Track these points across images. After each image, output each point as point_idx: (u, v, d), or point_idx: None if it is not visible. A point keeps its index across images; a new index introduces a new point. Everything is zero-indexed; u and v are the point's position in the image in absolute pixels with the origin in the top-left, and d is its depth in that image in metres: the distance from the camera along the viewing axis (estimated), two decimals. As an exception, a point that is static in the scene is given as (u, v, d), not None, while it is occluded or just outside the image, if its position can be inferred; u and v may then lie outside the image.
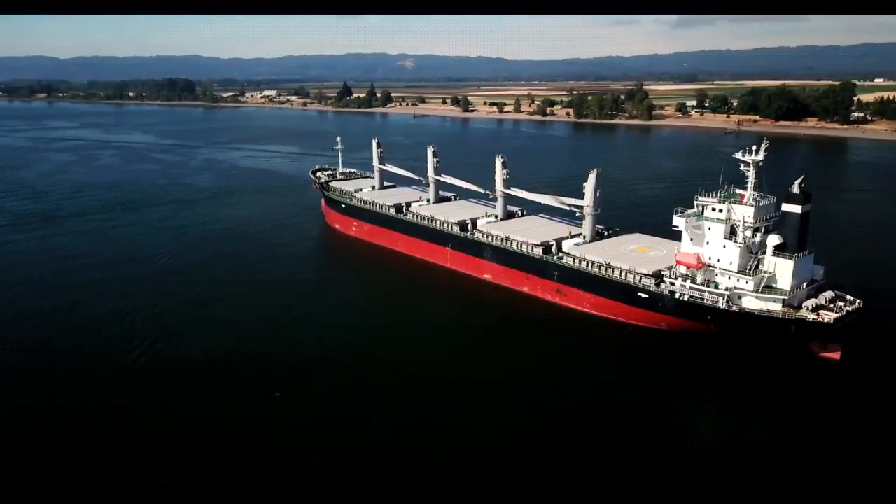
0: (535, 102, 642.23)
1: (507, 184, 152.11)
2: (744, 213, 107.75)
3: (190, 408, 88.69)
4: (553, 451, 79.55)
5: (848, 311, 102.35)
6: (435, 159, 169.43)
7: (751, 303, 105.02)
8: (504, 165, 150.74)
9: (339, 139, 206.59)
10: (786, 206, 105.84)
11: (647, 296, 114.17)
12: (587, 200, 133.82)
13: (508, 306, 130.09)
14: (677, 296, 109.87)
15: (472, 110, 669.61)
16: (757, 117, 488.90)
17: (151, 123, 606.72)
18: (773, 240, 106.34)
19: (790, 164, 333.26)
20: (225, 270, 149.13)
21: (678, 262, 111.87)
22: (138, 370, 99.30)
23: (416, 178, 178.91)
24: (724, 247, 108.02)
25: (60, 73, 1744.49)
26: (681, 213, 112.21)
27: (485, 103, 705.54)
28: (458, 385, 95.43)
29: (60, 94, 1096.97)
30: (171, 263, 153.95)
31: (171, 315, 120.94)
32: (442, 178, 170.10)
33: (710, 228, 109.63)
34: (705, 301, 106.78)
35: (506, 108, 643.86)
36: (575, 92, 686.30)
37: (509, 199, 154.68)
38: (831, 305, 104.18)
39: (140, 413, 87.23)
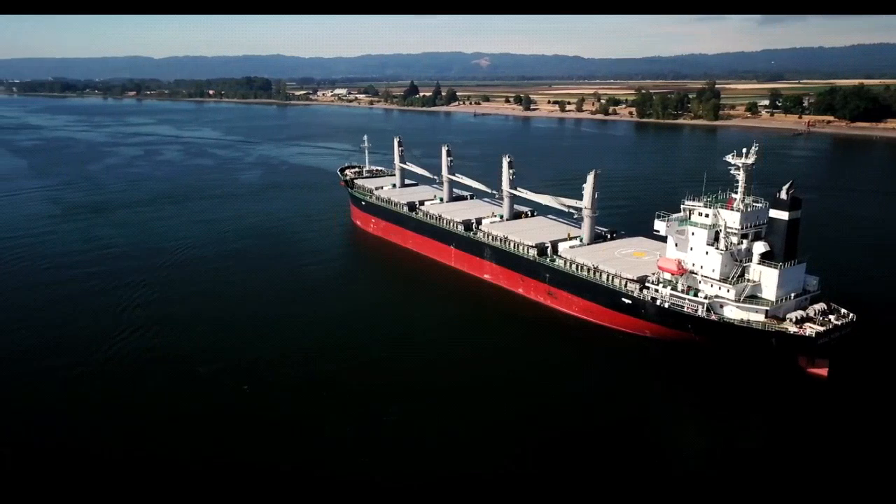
0: (601, 101, 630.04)
1: (514, 184, 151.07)
2: (728, 218, 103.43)
3: (172, 401, 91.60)
4: (518, 461, 78.10)
5: (836, 325, 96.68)
6: (448, 158, 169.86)
7: (732, 312, 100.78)
8: (510, 165, 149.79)
9: (365, 137, 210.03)
10: (773, 213, 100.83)
11: (630, 301, 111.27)
12: (585, 202, 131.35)
13: (502, 307, 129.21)
14: (658, 302, 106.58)
15: (534, 109, 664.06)
16: (831, 118, 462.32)
17: (222, 120, 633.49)
18: (759, 247, 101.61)
19: (858, 166, 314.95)
20: (238, 264, 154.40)
21: (660, 268, 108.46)
22: (120, 358, 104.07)
23: (432, 176, 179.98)
24: (707, 253, 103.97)
25: (154, 73, 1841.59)
26: (663, 217, 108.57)
27: (548, 102, 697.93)
28: (438, 388, 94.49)
29: (148, 92, 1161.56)
30: (190, 255, 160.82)
31: (167, 304, 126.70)
32: (455, 178, 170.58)
33: (693, 234, 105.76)
34: (685, 309, 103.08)
35: (568, 107, 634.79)
36: (643, 91, 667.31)
37: (516, 199, 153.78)
38: (820, 318, 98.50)
39: (114, 406, 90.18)
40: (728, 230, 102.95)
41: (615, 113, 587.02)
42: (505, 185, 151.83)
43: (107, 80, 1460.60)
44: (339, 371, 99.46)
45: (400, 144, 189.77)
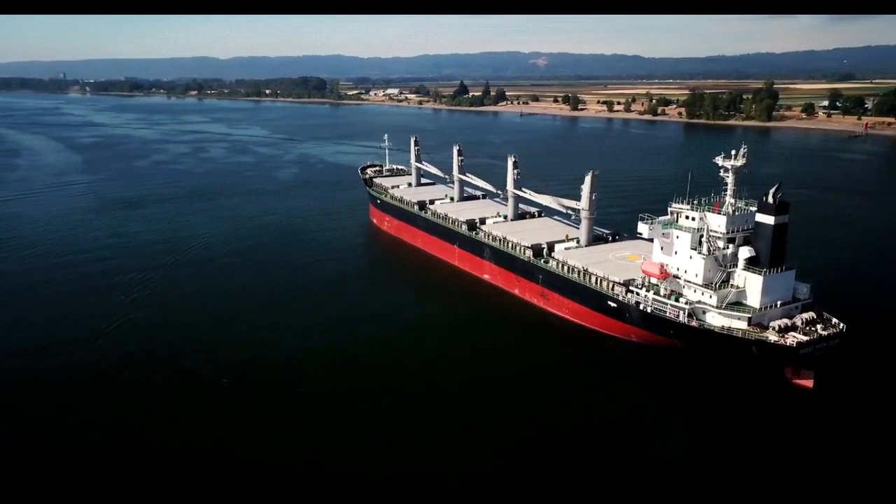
0: (652, 101, 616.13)
1: (518, 184, 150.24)
2: (714, 222, 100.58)
3: (152, 393, 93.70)
4: (508, 462, 77.67)
5: (821, 335, 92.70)
6: (459, 157, 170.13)
7: (714, 319, 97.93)
8: (515, 165, 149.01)
9: (385, 136, 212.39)
10: (759, 217, 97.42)
11: (615, 305, 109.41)
12: (583, 203, 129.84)
13: (498, 309, 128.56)
14: (642, 307, 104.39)
15: (582, 109, 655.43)
16: (893, 120, 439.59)
17: (273, 119, 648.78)
18: (744, 252, 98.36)
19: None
20: (250, 259, 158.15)
21: (643, 272, 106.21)
22: (110, 348, 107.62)
23: (443, 176, 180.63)
24: (691, 257, 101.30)
25: (219, 73, 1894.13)
26: (647, 219, 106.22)
27: (597, 102, 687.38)
28: (428, 391, 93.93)
29: (209, 92, 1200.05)
30: (207, 250, 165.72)
31: (170, 297, 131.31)
32: (465, 178, 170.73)
33: (678, 237, 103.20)
34: (667, 314, 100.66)
35: (616, 108, 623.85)
36: (697, 91, 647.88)
37: (522, 200, 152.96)
38: (806, 328, 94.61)
39: (97, 398, 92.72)
40: (712, 234, 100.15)
41: (664, 113, 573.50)
42: (509, 186, 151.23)
43: (173, 80, 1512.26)
44: (330, 370, 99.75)
45: (416, 144, 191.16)
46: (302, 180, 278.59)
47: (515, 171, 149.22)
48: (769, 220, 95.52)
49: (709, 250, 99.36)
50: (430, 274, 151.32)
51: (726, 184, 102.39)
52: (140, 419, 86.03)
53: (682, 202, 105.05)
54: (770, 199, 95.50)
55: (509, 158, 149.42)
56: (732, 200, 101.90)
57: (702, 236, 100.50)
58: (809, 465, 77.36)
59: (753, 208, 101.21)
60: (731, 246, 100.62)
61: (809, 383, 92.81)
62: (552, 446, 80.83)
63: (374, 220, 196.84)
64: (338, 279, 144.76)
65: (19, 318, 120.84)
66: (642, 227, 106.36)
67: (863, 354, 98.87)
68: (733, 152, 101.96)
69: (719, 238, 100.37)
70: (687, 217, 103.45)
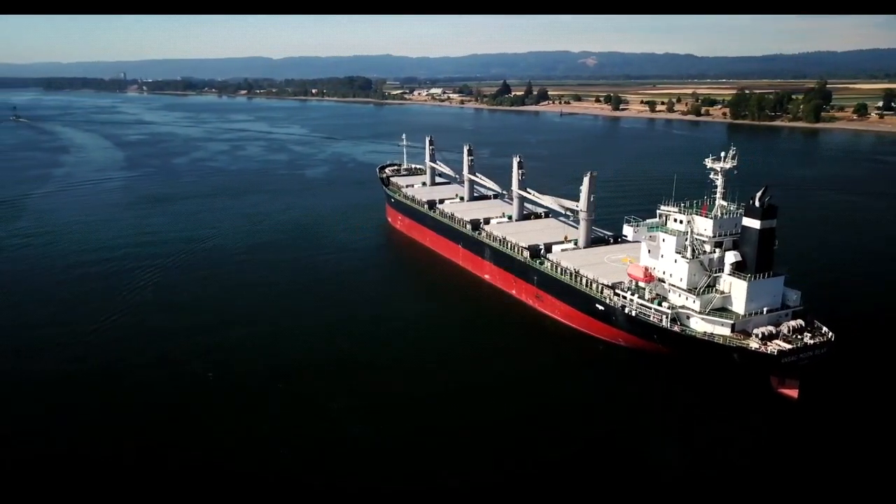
0: (698, 101, 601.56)
1: (523, 185, 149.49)
2: (701, 225, 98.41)
3: (138, 386, 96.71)
4: (495, 464, 77.36)
5: (806, 344, 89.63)
6: (469, 157, 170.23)
7: (698, 324, 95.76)
8: (520, 166, 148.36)
9: (404, 136, 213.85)
10: (745, 221, 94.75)
11: (602, 308, 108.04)
12: (581, 205, 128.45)
13: (495, 309, 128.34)
14: (627, 310, 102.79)
15: (623, 109, 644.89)
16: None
17: (315, 118, 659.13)
18: (730, 257, 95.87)
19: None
20: (260, 255, 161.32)
21: (629, 275, 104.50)
22: (104, 338, 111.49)
23: (454, 175, 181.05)
24: (676, 261, 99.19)
25: (271, 72, 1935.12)
26: (632, 222, 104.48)
27: (641, 102, 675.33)
28: (416, 393, 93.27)
29: (258, 91, 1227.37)
30: (221, 246, 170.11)
31: (173, 291, 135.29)
32: (475, 178, 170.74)
33: (664, 240, 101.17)
34: (651, 318, 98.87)
35: (658, 108, 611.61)
36: (746, 91, 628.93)
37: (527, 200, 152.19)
38: (790, 335, 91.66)
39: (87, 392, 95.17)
40: (698, 238, 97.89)
41: (708, 114, 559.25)
42: (514, 186, 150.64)
43: (226, 80, 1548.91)
44: (329, 370, 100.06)
45: (431, 143, 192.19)
46: (329, 179, 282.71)
47: (520, 172, 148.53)
48: (755, 224, 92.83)
49: (693, 254, 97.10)
50: (434, 273, 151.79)
51: (716, 186, 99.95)
52: (128, 413, 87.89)
53: (671, 204, 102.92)
54: (757, 203, 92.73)
55: (514, 158, 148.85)
56: (723, 203, 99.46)
57: (687, 240, 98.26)
58: (787, 473, 75.21)
59: (734, 214, 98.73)
60: (717, 250, 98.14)
61: (794, 392, 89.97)
62: (550, 446, 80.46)
63: (389, 219, 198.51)
64: (343, 277, 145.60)
65: (30, 304, 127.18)
66: (627, 230, 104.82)
67: (853, 364, 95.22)
68: (723, 154, 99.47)
69: (705, 242, 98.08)
70: (675, 220, 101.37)
